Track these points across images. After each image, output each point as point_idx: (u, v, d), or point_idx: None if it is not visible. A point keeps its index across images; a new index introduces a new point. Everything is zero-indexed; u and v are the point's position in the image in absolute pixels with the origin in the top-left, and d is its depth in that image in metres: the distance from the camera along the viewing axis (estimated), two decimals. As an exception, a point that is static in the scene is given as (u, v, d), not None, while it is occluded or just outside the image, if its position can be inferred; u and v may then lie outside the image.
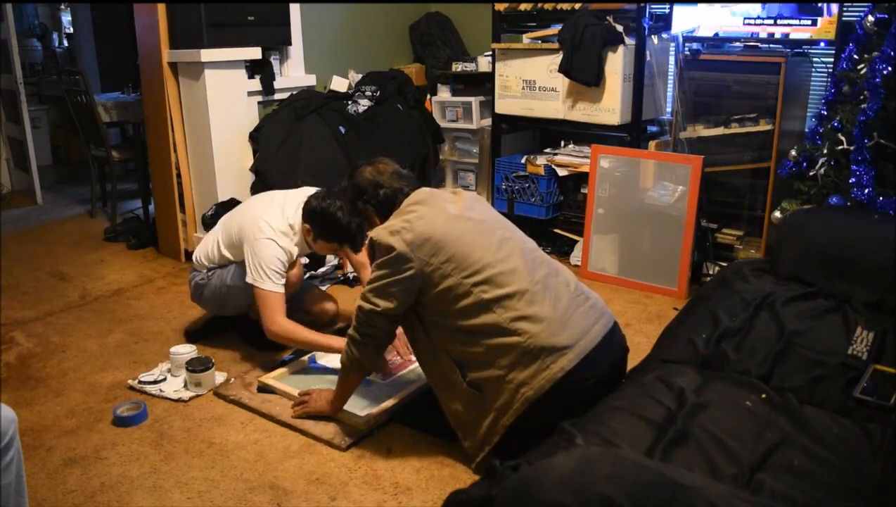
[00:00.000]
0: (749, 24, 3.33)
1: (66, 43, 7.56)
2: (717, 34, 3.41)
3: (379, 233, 2.03)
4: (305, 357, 2.73)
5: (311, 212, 2.62)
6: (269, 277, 2.58)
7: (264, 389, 2.54)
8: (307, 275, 3.66)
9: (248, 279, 2.61)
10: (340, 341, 2.39)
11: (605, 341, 2.00)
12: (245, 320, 2.92)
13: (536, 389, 1.89)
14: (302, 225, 2.68)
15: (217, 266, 2.84)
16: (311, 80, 4.26)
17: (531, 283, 1.97)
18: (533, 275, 2.00)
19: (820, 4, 3.14)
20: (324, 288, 3.55)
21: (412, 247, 1.97)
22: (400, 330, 2.41)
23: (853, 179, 2.77)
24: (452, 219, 2.03)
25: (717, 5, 3.39)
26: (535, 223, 3.96)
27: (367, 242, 2.17)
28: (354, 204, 2.24)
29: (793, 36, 3.23)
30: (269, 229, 2.63)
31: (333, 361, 2.72)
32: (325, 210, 2.57)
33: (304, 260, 3.21)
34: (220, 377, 2.64)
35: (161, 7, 3.68)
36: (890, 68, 2.67)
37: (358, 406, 2.37)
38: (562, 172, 3.88)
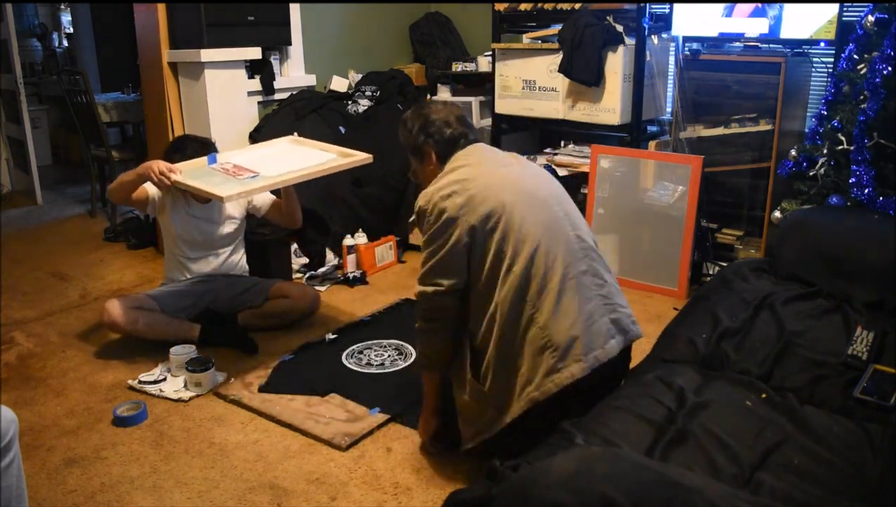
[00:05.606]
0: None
1: (66, 43, 7.56)
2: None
3: (430, 195, 1.97)
4: (204, 158, 2.84)
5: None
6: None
7: (265, 388, 2.54)
8: (307, 275, 3.66)
9: None
10: None
11: (616, 357, 1.96)
12: (235, 326, 2.96)
13: (543, 391, 1.85)
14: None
15: None
16: (311, 80, 4.26)
17: (565, 278, 1.91)
18: (569, 269, 1.93)
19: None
20: (323, 288, 3.55)
21: (463, 210, 1.92)
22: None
23: (853, 179, 2.77)
24: (506, 186, 1.97)
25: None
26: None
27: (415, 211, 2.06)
28: (416, 135, 2.14)
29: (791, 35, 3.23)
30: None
31: (232, 158, 2.86)
32: None
33: (236, 219, 3.07)
34: (220, 377, 2.65)
35: (161, 7, 3.68)
36: (890, 68, 2.67)
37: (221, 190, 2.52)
38: (562, 172, 3.88)
